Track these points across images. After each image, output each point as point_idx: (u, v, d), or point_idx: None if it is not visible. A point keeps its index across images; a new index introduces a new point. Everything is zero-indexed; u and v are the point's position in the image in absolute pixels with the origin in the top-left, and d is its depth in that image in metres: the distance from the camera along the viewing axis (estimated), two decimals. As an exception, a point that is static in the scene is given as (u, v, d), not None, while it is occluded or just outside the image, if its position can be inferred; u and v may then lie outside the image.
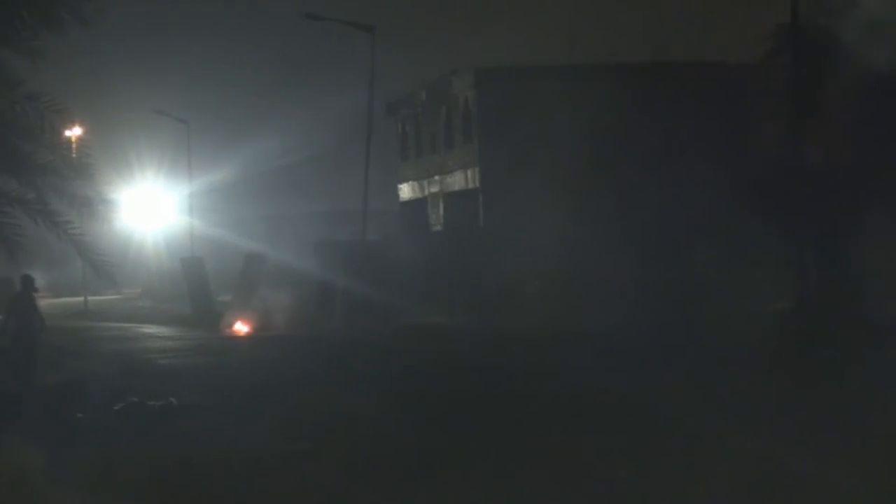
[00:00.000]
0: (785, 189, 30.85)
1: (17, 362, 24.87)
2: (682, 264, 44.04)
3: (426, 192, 59.05)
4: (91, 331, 48.01)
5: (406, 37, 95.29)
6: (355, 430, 19.66)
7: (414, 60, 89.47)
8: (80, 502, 15.47)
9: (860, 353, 26.58)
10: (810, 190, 30.51)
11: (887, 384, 21.88)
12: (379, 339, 37.79)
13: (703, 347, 29.97)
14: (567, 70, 51.84)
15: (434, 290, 45.45)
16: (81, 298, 65.02)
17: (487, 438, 18.44)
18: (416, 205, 60.29)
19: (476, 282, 45.73)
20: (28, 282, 25.18)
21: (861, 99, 32.01)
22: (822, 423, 18.60)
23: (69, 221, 21.44)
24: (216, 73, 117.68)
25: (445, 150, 56.00)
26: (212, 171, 74.17)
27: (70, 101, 22.60)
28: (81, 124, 33.62)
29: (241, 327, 45.24)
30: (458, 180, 54.57)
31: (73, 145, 22.73)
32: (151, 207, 75.15)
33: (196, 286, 54.47)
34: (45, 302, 55.71)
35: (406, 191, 62.34)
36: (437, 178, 57.30)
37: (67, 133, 24.55)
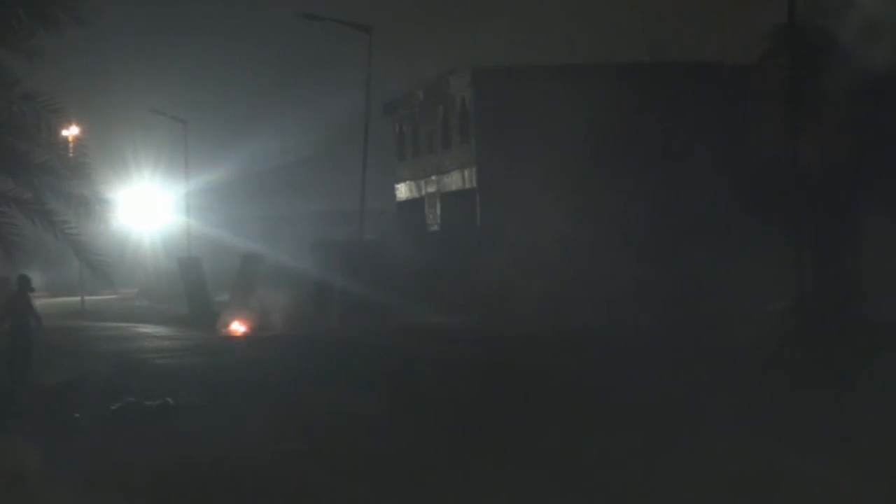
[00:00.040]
0: (783, 188, 30.85)
1: (13, 362, 24.86)
2: (681, 264, 44.00)
3: (423, 192, 59.04)
4: (88, 330, 47.97)
5: (403, 37, 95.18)
6: (352, 430, 19.64)
7: (411, 60, 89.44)
8: (77, 502, 15.44)
9: (857, 352, 26.60)
10: (807, 189, 30.52)
11: (884, 383, 21.88)
12: (376, 339, 37.75)
13: (701, 347, 29.93)
14: (564, 70, 51.85)
15: (431, 290, 45.41)
16: (78, 298, 64.93)
17: (486, 438, 18.42)
18: (414, 205, 60.28)
19: (474, 282, 45.71)
20: (24, 282, 25.15)
21: (858, 98, 32.01)
22: (820, 422, 18.59)
23: (66, 221, 21.44)
24: (214, 73, 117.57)
25: (443, 150, 56.00)
26: (209, 171, 74.13)
27: (67, 101, 22.62)
28: (78, 124, 33.57)
29: (238, 327, 45.20)
30: (455, 180, 54.57)
31: (70, 145, 22.73)
32: (148, 207, 75.07)
33: (193, 286, 54.41)
34: (41, 301, 55.72)
35: (403, 191, 62.33)
36: (434, 177, 57.29)
37: (64, 132, 24.55)
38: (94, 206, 21.63)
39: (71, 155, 21.89)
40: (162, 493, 15.58)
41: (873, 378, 22.68)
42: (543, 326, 38.13)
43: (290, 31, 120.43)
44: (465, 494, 14.77)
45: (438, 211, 56.95)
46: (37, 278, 26.70)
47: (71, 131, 29.28)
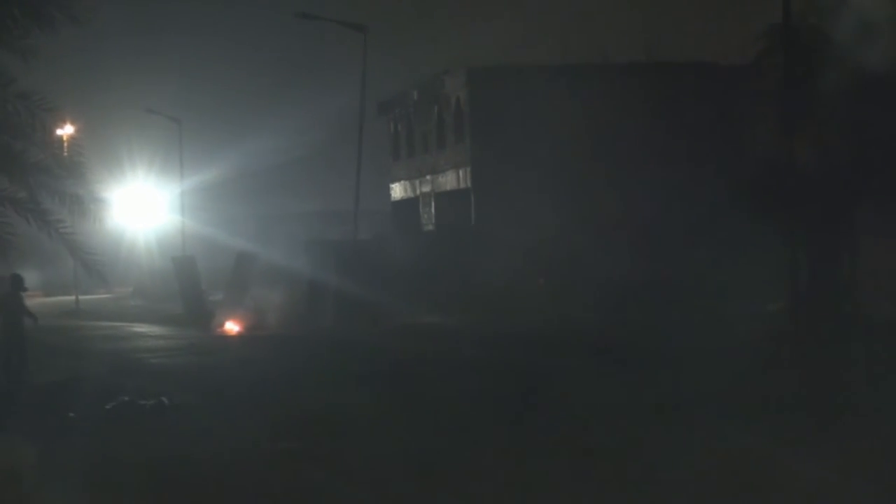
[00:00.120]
0: (778, 188, 30.90)
1: (8, 361, 24.85)
2: (677, 263, 44.08)
3: (418, 192, 59.07)
4: (82, 330, 47.96)
5: (399, 37, 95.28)
6: (348, 429, 19.64)
7: (407, 60, 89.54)
8: (73, 501, 15.45)
9: (852, 352, 26.65)
10: (803, 189, 30.57)
11: (880, 383, 21.92)
12: (371, 338, 37.76)
13: (696, 347, 29.96)
14: (559, 70, 51.90)
15: (426, 290, 45.45)
16: (73, 297, 64.93)
17: (484, 438, 18.43)
18: (408, 204, 60.31)
19: (468, 281, 45.74)
20: (17, 281, 25.12)
21: (853, 98, 32.07)
22: (816, 422, 18.61)
23: (61, 220, 21.41)
24: (208, 73, 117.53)
25: (437, 149, 56.02)
26: (204, 170, 74.14)
27: (62, 100, 22.60)
28: (73, 123, 33.58)
29: (232, 326, 45.19)
30: (449, 180, 54.60)
31: (65, 144, 22.70)
32: (143, 206, 75.04)
33: (187, 285, 54.41)
34: (36, 301, 55.64)
35: (398, 190, 62.36)
36: (428, 177, 57.32)
37: (59, 132, 24.51)
38: (88, 206, 21.61)
39: (66, 154, 21.86)
40: (157, 492, 15.59)
41: (867, 377, 22.73)
42: (539, 325, 38.16)
43: (286, 31, 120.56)
44: (464, 494, 14.78)
45: (433, 210, 56.98)
46: (32, 277, 26.68)
47: (66, 130, 29.25)
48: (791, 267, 30.47)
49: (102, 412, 21.57)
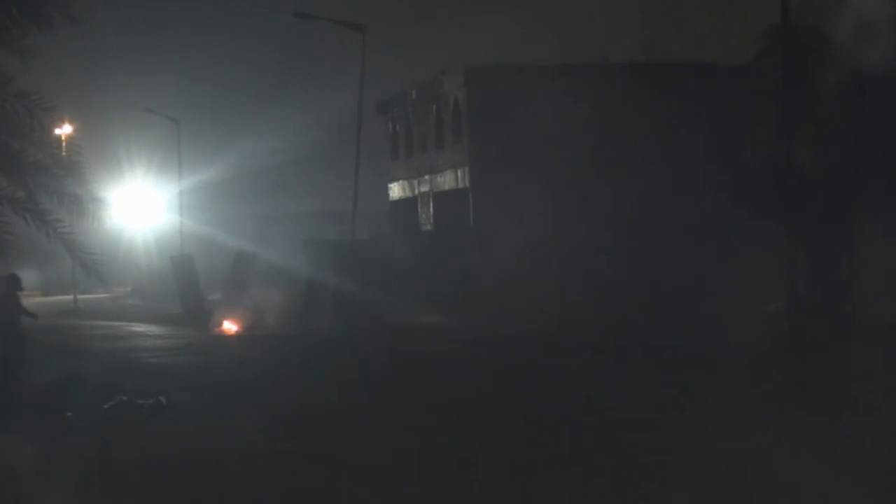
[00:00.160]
0: (777, 188, 30.91)
1: (6, 361, 24.82)
2: (675, 263, 44.08)
3: (416, 192, 59.06)
4: (81, 329, 47.96)
5: (398, 37, 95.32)
6: (345, 429, 19.65)
7: (405, 60, 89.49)
8: (71, 500, 15.45)
9: (851, 352, 26.66)
10: (801, 189, 30.58)
11: (877, 382, 21.94)
12: (369, 338, 37.77)
13: (694, 347, 30.00)
14: (558, 70, 51.90)
15: (424, 290, 45.44)
16: (71, 297, 64.95)
17: (479, 438, 18.43)
18: (407, 204, 60.30)
19: (466, 281, 45.72)
20: (14, 281, 25.05)
21: (851, 98, 32.08)
22: (813, 421, 18.62)
23: (59, 220, 21.41)
24: (207, 73, 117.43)
25: (436, 149, 56.01)
26: (202, 170, 74.17)
27: (60, 100, 22.61)
28: (72, 122, 33.65)
29: (230, 326, 45.21)
30: (448, 180, 54.59)
31: (63, 143, 22.70)
32: (141, 206, 75.08)
33: (186, 285, 54.43)
34: (34, 300, 55.61)
35: (396, 190, 62.35)
36: (427, 177, 57.31)
37: (57, 131, 24.53)
38: (87, 205, 21.61)
39: (64, 153, 21.87)
40: (155, 491, 15.59)
41: (863, 377, 22.74)
42: (537, 325, 38.15)
43: (284, 30, 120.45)
44: (463, 494, 14.78)
45: (431, 210, 56.97)
46: (30, 277, 26.66)
47: (64, 130, 29.30)
48: (789, 267, 30.48)
49: (101, 412, 21.57)
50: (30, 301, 26.70)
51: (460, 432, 18.94)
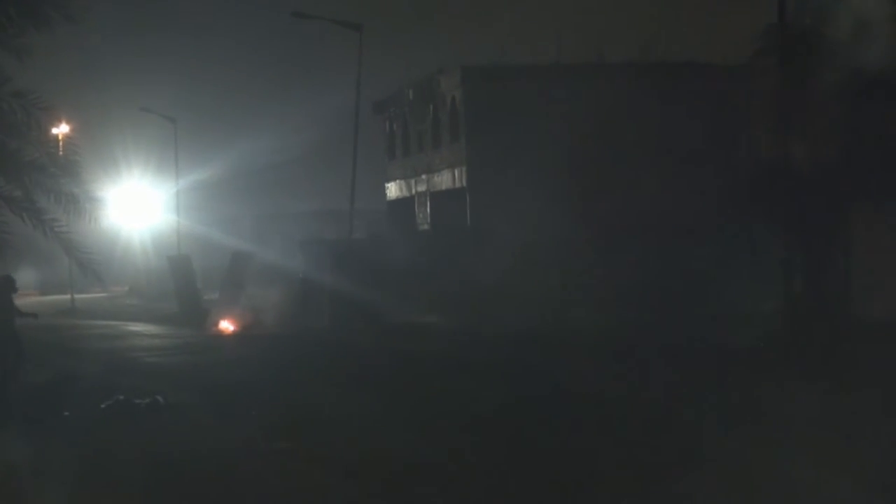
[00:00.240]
0: (774, 188, 30.92)
1: (4, 361, 24.80)
2: (675, 263, 44.09)
3: (413, 191, 59.06)
4: (78, 329, 47.94)
5: (396, 36, 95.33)
6: (342, 428, 19.66)
7: (403, 59, 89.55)
8: (68, 499, 15.45)
9: (846, 351, 26.65)
10: (798, 189, 30.59)
11: (873, 382, 21.95)
12: (366, 338, 37.76)
13: (693, 347, 30.02)
14: (555, 69, 51.89)
15: (421, 289, 45.44)
16: (68, 296, 64.93)
17: (479, 438, 18.44)
18: (404, 204, 60.30)
19: (464, 281, 45.71)
20: (7, 283, 24.98)
21: (849, 98, 32.07)
22: (810, 421, 18.62)
23: (56, 219, 21.45)
24: (204, 72, 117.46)
25: (433, 149, 56.02)
26: (199, 169, 74.17)
27: (57, 99, 22.64)
28: (69, 122, 33.65)
29: (227, 325, 45.19)
30: (445, 179, 54.59)
31: (60, 143, 22.73)
32: (138, 205, 75.09)
33: (183, 284, 54.40)
34: (32, 300, 55.60)
35: (393, 190, 62.35)
36: (424, 177, 57.31)
37: (55, 130, 24.56)
38: (84, 204, 21.64)
39: (61, 153, 21.89)
40: (152, 490, 15.59)
41: (860, 376, 22.74)
42: (535, 325, 38.15)
43: (282, 30, 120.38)
44: (463, 493, 14.79)
45: (428, 210, 56.98)
46: (27, 276, 26.69)
47: (61, 129, 29.30)
48: (786, 267, 30.49)
49: (98, 411, 21.57)
50: (27, 300, 26.68)
51: (459, 432, 18.95)
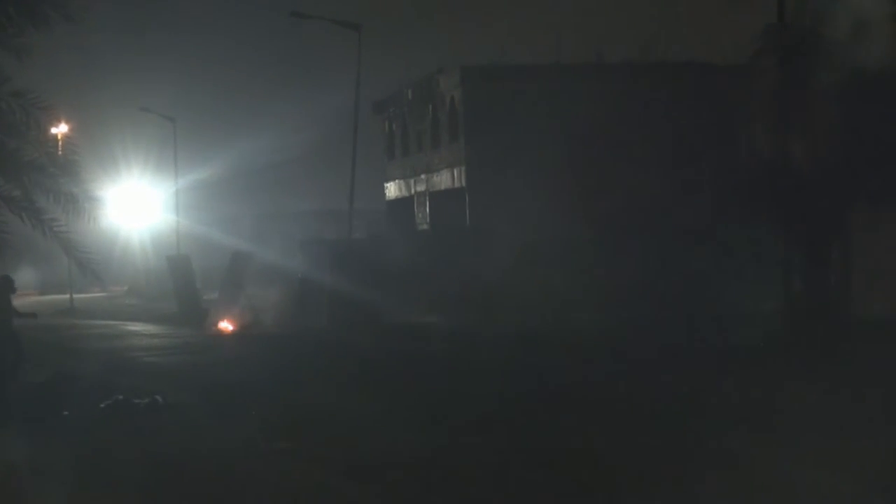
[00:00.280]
0: (773, 188, 30.93)
1: (3, 361, 24.79)
2: (675, 263, 44.07)
3: (413, 191, 59.07)
4: (77, 328, 47.94)
5: (395, 36, 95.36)
6: (341, 428, 19.65)
7: (402, 59, 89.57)
8: (67, 499, 15.44)
9: (847, 350, 26.67)
10: (798, 189, 30.60)
11: (873, 381, 21.95)
12: (365, 337, 37.75)
13: (693, 346, 30.03)
14: (554, 69, 51.91)
15: (420, 289, 45.43)
16: (67, 296, 64.93)
17: (478, 438, 18.43)
18: (403, 203, 60.31)
19: (463, 281, 45.70)
20: (5, 282, 24.98)
21: (848, 98, 32.07)
22: (808, 420, 18.62)
23: (55, 219, 21.42)
24: (203, 71, 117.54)
25: (432, 148, 56.03)
26: (198, 169, 74.19)
27: (56, 98, 22.61)
28: (68, 121, 33.60)
29: (226, 325, 45.18)
30: (444, 179, 54.60)
31: (60, 142, 22.71)
32: (138, 205, 75.09)
33: (182, 284, 54.40)
34: (31, 300, 55.55)
35: (393, 189, 62.36)
36: (423, 176, 57.32)
37: (53, 130, 24.52)
38: (83, 204, 21.61)
39: (60, 152, 21.88)
40: (151, 490, 15.58)
41: (858, 376, 22.75)
42: (535, 325, 38.13)
43: (281, 29, 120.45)
44: (462, 492, 14.78)
45: (428, 210, 56.98)
46: (26, 276, 26.69)
47: (60, 129, 29.26)
48: (785, 267, 30.50)
49: (97, 410, 21.57)
50: (26, 300, 26.67)
51: (459, 431, 18.94)
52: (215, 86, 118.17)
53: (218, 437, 19.15)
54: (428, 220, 56.91)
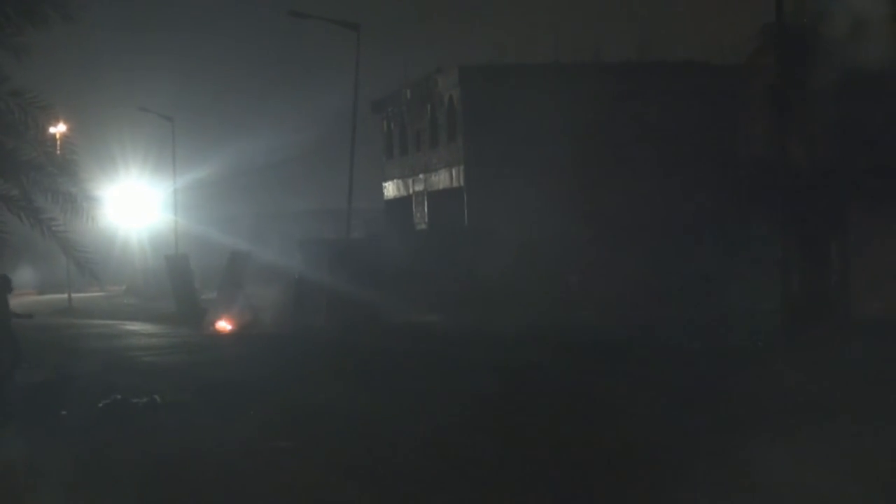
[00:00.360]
0: (771, 188, 30.96)
1: (1, 361, 24.77)
2: (671, 263, 44.11)
3: (411, 191, 59.08)
4: (75, 328, 47.91)
5: (393, 35, 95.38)
6: (340, 428, 19.64)
7: (401, 59, 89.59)
8: (66, 499, 15.43)
9: (846, 351, 26.68)
10: (796, 188, 30.62)
11: (872, 380, 21.96)
12: (364, 337, 37.74)
13: (692, 346, 30.03)
14: (552, 69, 51.94)
15: (419, 289, 45.46)
16: (66, 295, 64.90)
17: (476, 438, 18.43)
18: (401, 203, 60.33)
19: (461, 280, 45.74)
20: (3, 282, 24.92)
21: (845, 98, 32.10)
22: (806, 420, 18.63)
23: (53, 218, 21.40)
24: (202, 71, 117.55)
25: (430, 148, 56.05)
26: (197, 168, 74.20)
27: (55, 98, 22.59)
28: (66, 121, 33.59)
29: (225, 325, 45.17)
30: (442, 179, 54.61)
31: (58, 142, 22.73)
32: (136, 204, 75.07)
33: (180, 283, 54.38)
34: (29, 299, 55.53)
35: (391, 189, 62.37)
36: (421, 176, 57.34)
37: (52, 130, 24.51)
38: (81, 204, 21.60)
39: (58, 152, 21.87)
40: (150, 490, 15.57)
41: (857, 375, 22.76)
42: (534, 324, 38.14)
43: (280, 29, 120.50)
44: (461, 492, 14.78)
45: (426, 209, 56.99)
46: (25, 276, 26.68)
47: (59, 128, 29.26)
48: (784, 266, 30.51)
49: (95, 410, 21.55)
50: (24, 300, 26.65)
51: (459, 431, 18.94)
52: (214, 85, 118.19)
53: (216, 437, 19.14)
54: (426, 219, 56.93)
